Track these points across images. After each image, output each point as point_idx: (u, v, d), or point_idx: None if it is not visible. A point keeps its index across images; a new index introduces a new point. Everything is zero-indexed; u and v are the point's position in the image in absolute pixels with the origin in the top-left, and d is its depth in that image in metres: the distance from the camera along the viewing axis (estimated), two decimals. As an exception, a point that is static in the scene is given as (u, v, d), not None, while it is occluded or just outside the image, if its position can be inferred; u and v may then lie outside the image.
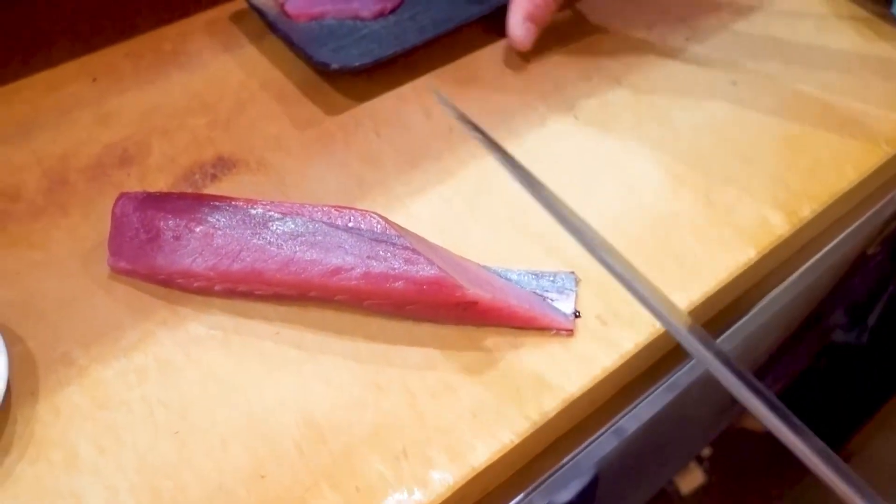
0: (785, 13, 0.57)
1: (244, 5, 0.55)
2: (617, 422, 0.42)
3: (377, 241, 0.38)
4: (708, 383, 0.50)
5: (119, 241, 0.40)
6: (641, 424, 0.44)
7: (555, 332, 0.38)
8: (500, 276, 0.39)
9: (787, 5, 0.57)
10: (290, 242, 0.38)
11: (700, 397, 0.53)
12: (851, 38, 0.55)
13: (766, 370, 0.70)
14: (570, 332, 0.38)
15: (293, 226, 0.38)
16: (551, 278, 0.39)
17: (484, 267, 0.40)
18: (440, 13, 0.53)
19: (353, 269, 0.37)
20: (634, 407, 0.42)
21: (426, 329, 0.38)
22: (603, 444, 0.42)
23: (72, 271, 0.41)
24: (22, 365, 0.37)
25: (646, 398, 0.42)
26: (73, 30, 0.52)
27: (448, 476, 0.34)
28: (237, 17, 0.55)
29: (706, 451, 1.08)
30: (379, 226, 0.39)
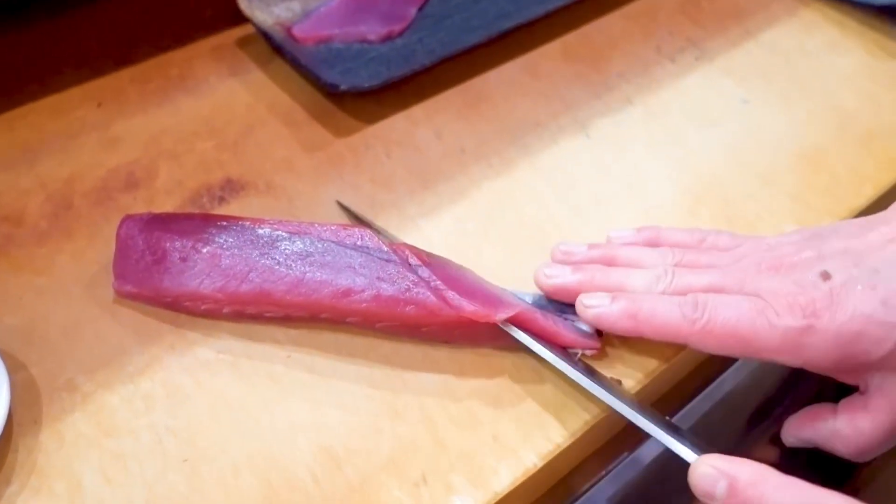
0: (793, 33, 0.57)
1: (250, 30, 0.54)
2: (632, 453, 0.41)
3: (386, 261, 0.37)
4: (724, 407, 0.48)
5: (124, 264, 0.39)
6: (652, 458, 0.43)
7: (580, 353, 0.36)
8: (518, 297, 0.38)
9: (795, 25, 0.57)
10: (299, 263, 0.37)
11: (714, 425, 0.52)
12: (861, 57, 0.55)
13: (775, 401, 0.69)
14: (596, 351, 0.36)
15: (302, 245, 0.37)
16: (570, 297, 0.38)
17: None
18: (447, 35, 0.53)
19: (363, 290, 0.35)
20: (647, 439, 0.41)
21: (442, 352, 0.37)
22: (618, 477, 0.41)
23: (76, 296, 0.40)
24: (25, 392, 0.36)
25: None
26: (78, 55, 0.52)
27: (470, 501, 0.32)
28: (243, 42, 0.55)
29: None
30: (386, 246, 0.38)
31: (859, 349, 0.32)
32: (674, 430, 0.33)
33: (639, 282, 0.36)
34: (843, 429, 0.35)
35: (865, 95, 0.52)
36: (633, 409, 0.33)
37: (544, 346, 0.35)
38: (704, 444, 0.32)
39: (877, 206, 0.46)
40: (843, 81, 0.53)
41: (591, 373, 0.35)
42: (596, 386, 0.34)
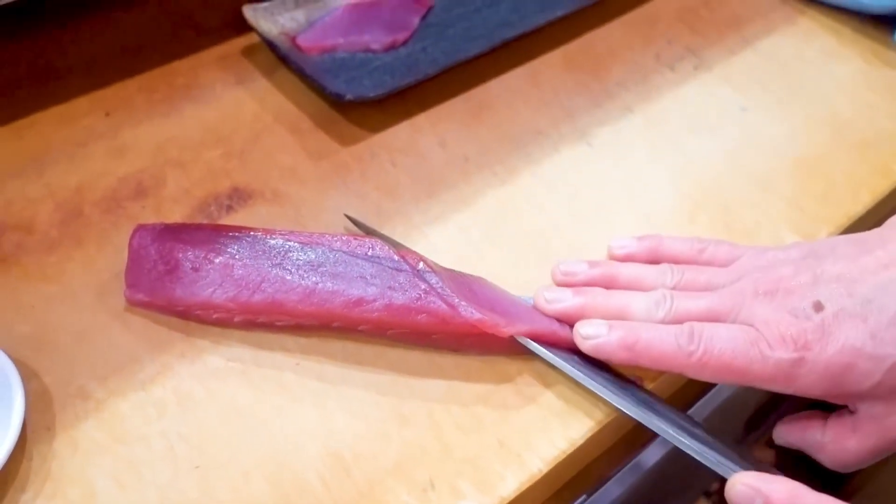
0: (790, 41, 0.58)
1: (256, 40, 0.55)
2: (631, 461, 0.41)
3: (397, 270, 0.37)
4: (723, 411, 0.49)
5: (136, 273, 0.39)
6: (654, 462, 0.44)
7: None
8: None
9: (792, 34, 0.58)
10: (310, 273, 0.37)
11: (713, 429, 0.53)
12: (857, 65, 0.56)
13: (770, 407, 0.70)
14: None
15: (313, 255, 0.38)
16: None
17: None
18: (450, 45, 0.54)
19: (375, 300, 0.36)
20: (649, 444, 0.42)
21: (449, 359, 0.38)
22: (616, 485, 0.41)
23: (87, 304, 0.40)
24: (38, 400, 0.36)
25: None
26: (85, 65, 0.52)
27: (477, 507, 0.33)
28: (249, 52, 0.55)
29: (714, 486, 1.07)
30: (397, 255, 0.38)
31: (848, 380, 0.33)
32: (706, 443, 0.34)
33: (640, 307, 0.37)
34: (829, 444, 0.36)
35: (862, 103, 0.52)
36: (665, 422, 0.34)
37: (559, 356, 0.36)
38: (737, 456, 0.33)
39: (874, 212, 0.47)
40: (839, 89, 0.54)
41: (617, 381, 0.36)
42: (629, 405, 0.35)
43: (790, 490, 0.30)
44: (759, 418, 0.78)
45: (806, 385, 0.34)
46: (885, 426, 0.34)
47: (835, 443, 0.36)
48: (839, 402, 0.36)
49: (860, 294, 0.34)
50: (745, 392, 0.48)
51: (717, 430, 0.57)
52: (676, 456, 0.44)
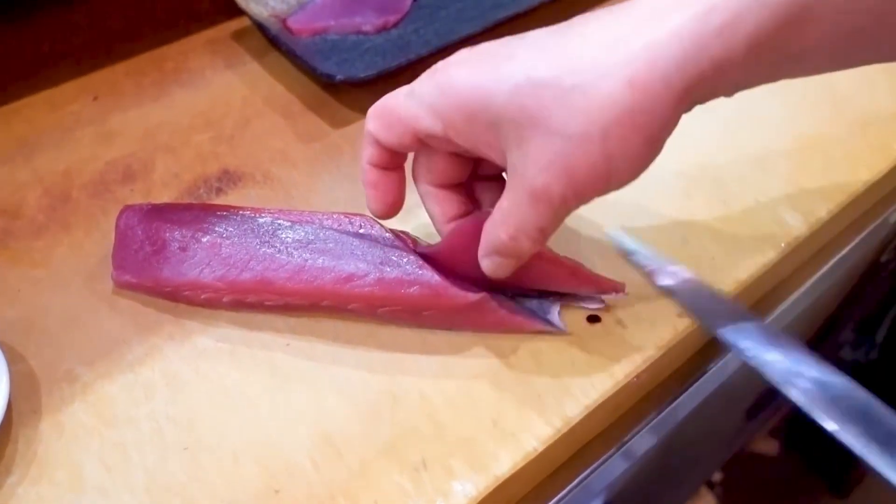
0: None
1: (245, 24, 0.54)
2: (627, 441, 0.41)
3: (390, 246, 0.37)
4: (722, 398, 0.49)
5: (123, 255, 0.39)
6: (652, 445, 0.43)
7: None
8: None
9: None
10: (300, 250, 0.37)
11: (712, 416, 0.52)
12: (856, 43, 0.55)
13: (771, 394, 0.69)
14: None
15: (303, 233, 0.37)
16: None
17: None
18: (443, 26, 0.53)
19: (366, 275, 0.36)
20: (645, 426, 0.41)
21: (441, 336, 0.37)
22: (612, 468, 0.41)
23: (75, 288, 0.40)
24: (24, 383, 0.36)
25: (658, 415, 0.41)
26: (73, 50, 0.52)
27: (471, 486, 0.32)
28: (238, 35, 0.55)
29: (717, 476, 1.06)
30: (388, 232, 0.38)
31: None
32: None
33: None
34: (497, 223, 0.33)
35: (860, 79, 0.52)
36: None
37: None
38: None
39: (873, 189, 0.46)
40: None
41: None
42: None
43: None
44: (760, 406, 0.77)
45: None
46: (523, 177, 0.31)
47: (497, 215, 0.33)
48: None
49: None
50: (746, 378, 0.47)
51: (717, 417, 0.57)
52: (672, 441, 0.43)
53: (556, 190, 0.31)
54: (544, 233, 0.33)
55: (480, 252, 0.35)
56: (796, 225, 0.43)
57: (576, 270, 0.37)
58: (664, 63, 0.29)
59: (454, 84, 0.32)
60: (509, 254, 0.34)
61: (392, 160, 0.36)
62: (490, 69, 0.31)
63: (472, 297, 0.35)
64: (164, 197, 0.44)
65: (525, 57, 0.31)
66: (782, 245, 0.41)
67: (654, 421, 0.41)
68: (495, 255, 0.34)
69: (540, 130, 0.30)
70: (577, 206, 0.32)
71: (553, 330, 0.37)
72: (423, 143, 0.34)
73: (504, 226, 0.33)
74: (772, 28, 0.28)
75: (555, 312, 0.37)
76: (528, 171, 0.31)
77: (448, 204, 0.37)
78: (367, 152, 0.36)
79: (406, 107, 0.34)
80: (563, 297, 0.38)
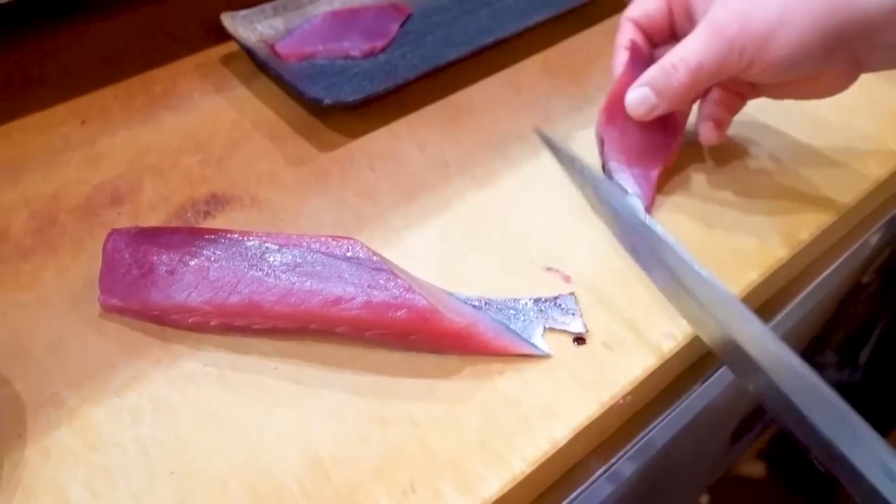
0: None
1: (234, 48, 0.55)
2: (614, 464, 0.41)
3: (377, 269, 0.37)
4: (708, 420, 0.49)
5: (111, 278, 0.39)
6: (638, 466, 0.43)
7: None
8: (504, 304, 0.39)
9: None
10: (288, 273, 0.37)
11: (698, 438, 0.52)
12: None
13: (756, 415, 0.69)
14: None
15: (291, 256, 0.37)
16: (554, 302, 0.39)
17: (482, 297, 0.39)
18: (430, 51, 0.54)
19: (354, 298, 0.36)
20: (632, 448, 0.41)
21: (428, 360, 0.37)
22: (599, 491, 0.41)
23: (61, 311, 0.40)
24: (9, 407, 0.36)
25: (645, 437, 0.41)
26: (62, 73, 0.52)
27: (459, 509, 0.33)
28: (227, 60, 0.55)
29: (704, 499, 1.06)
30: (375, 256, 0.38)
31: None
32: None
33: None
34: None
35: (840, 104, 0.52)
36: None
37: None
38: None
39: (854, 212, 0.47)
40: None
41: None
42: None
43: None
44: (744, 429, 0.77)
45: None
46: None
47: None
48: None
49: None
50: (731, 400, 0.48)
51: (703, 439, 0.57)
52: (659, 464, 0.43)
53: (731, 29, 0.39)
54: (700, 69, 0.40)
55: (635, 83, 0.43)
56: (778, 247, 0.43)
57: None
58: None
59: None
60: (657, 84, 0.42)
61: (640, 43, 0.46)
62: None
63: (459, 321, 0.35)
64: (151, 220, 0.44)
65: None
66: (764, 267, 0.42)
67: (641, 443, 0.41)
68: (646, 86, 0.43)
69: None
70: (734, 59, 0.40)
71: (538, 353, 0.37)
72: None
73: (671, 55, 0.41)
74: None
75: (539, 336, 0.38)
76: (719, 12, 0.40)
77: (635, 34, 0.46)
78: (623, 36, 0.46)
79: None
80: (547, 320, 0.38)
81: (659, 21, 0.46)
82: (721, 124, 0.46)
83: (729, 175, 0.47)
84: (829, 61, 0.40)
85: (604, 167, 0.45)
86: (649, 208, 0.44)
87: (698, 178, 0.47)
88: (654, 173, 0.45)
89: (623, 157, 0.45)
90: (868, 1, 0.37)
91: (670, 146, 0.46)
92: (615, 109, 0.45)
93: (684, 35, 0.42)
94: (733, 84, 0.45)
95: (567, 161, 0.42)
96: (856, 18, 0.38)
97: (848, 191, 0.47)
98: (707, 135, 0.46)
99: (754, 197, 0.46)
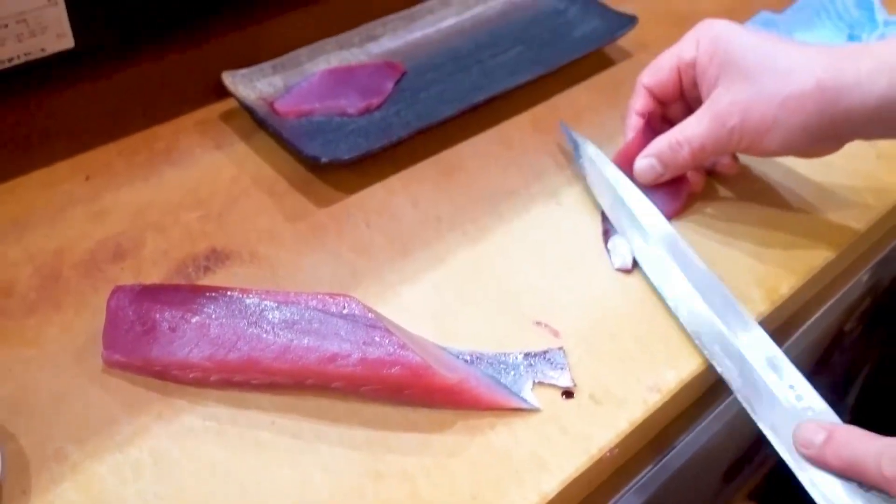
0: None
1: (234, 105, 0.57)
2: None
3: (372, 326, 0.38)
4: (699, 463, 0.50)
5: (114, 334, 0.40)
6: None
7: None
8: (495, 358, 0.40)
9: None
10: (286, 331, 0.38)
11: (690, 482, 0.53)
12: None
13: (745, 459, 0.70)
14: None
15: (288, 314, 0.39)
16: (544, 357, 0.40)
17: (474, 351, 0.41)
18: (424, 108, 0.56)
19: (349, 355, 0.37)
20: (622, 496, 0.42)
21: (422, 414, 0.39)
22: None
23: (65, 366, 0.41)
24: (14, 462, 0.37)
25: (636, 485, 0.43)
26: (66, 130, 0.54)
27: (451, 562, 0.33)
28: (227, 116, 0.57)
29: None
30: (370, 313, 0.39)
31: None
32: None
33: None
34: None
35: (818, 161, 0.54)
36: None
37: None
38: None
39: (834, 265, 0.48)
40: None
41: None
42: None
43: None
44: (736, 469, 0.78)
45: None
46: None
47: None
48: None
49: None
50: (722, 442, 0.49)
51: (693, 481, 0.58)
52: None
53: (732, 120, 0.45)
54: (703, 150, 0.47)
55: (643, 153, 0.49)
56: (758, 301, 0.45)
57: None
58: (843, 83, 0.42)
59: (717, 31, 0.47)
60: (664, 157, 0.48)
61: (653, 110, 0.51)
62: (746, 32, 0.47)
63: (451, 377, 0.37)
64: (153, 275, 0.46)
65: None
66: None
67: (632, 490, 0.42)
68: (653, 157, 0.49)
69: (749, 82, 0.44)
70: (733, 144, 0.46)
71: (528, 407, 0.38)
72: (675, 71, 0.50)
73: (675, 133, 0.48)
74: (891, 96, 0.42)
75: (528, 390, 0.39)
76: (722, 101, 0.45)
77: (647, 101, 0.51)
78: (637, 101, 0.52)
79: (675, 47, 0.50)
80: (537, 374, 0.40)
81: (670, 88, 0.51)
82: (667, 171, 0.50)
83: (712, 229, 0.49)
84: (817, 146, 0.46)
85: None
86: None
87: (681, 231, 0.49)
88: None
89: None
90: (853, 100, 0.42)
91: (679, 195, 0.51)
92: (623, 166, 0.50)
93: (691, 97, 0.50)
94: None
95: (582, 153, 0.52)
96: (842, 116, 0.43)
97: (828, 245, 0.49)
98: (644, 173, 0.50)
99: (737, 251, 0.48)
